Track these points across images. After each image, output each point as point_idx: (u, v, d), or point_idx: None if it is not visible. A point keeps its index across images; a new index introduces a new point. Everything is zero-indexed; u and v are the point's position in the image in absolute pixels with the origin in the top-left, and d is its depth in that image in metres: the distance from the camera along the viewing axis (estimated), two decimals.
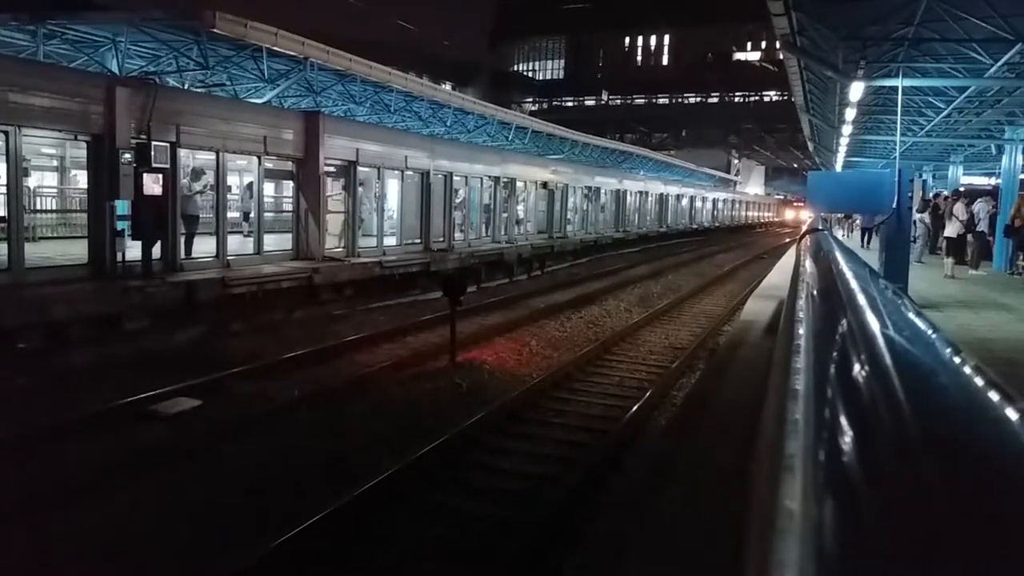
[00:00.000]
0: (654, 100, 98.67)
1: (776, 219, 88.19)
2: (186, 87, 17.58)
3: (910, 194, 11.80)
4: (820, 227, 9.65)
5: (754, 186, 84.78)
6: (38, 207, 17.54)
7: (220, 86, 18.76)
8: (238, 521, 5.76)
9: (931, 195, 24.75)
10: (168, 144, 12.74)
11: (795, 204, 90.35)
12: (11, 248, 10.81)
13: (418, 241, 19.90)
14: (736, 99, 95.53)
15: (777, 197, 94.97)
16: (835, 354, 1.17)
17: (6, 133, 10.59)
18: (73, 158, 18.33)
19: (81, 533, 5.47)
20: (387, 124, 23.94)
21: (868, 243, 24.99)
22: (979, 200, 18.88)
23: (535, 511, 5.95)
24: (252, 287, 13.56)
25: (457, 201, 22.10)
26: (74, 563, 5.17)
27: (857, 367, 0.99)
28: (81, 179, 15.81)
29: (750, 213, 73.63)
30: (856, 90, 14.04)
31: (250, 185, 17.48)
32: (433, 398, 9.27)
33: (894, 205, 11.11)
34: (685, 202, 49.10)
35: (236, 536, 5.44)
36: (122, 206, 12.12)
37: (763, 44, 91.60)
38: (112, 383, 9.03)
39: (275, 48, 16.24)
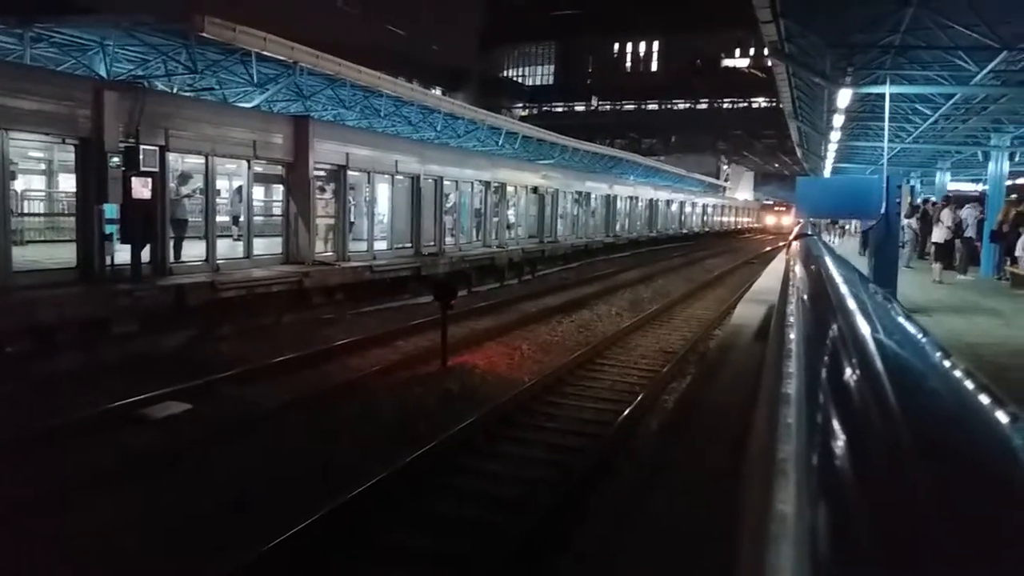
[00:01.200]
0: (643, 106, 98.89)
1: (755, 225, 79.47)
2: (175, 91, 17.49)
3: (898, 200, 11.88)
4: (808, 232, 9.69)
5: (743, 191, 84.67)
6: (25, 211, 17.41)
7: (209, 90, 18.67)
8: (227, 526, 5.73)
9: (919, 201, 24.94)
10: (157, 148, 12.66)
11: (776, 208, 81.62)
12: None
13: (408, 245, 19.87)
14: (725, 105, 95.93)
15: (764, 201, 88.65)
16: (826, 358, 1.18)
17: None
18: (61, 162, 18.21)
19: (70, 538, 5.42)
20: (377, 129, 23.89)
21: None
22: (967, 206, 19.04)
23: (526, 516, 5.95)
24: (242, 291, 13.50)
25: (447, 206, 22.09)
26: (63, 567, 5.12)
27: (848, 371, 0.99)
28: (69, 183, 15.71)
29: (719, 219, 63.99)
30: (844, 97, 14.13)
31: (239, 189, 17.42)
32: (424, 403, 9.25)
33: (882, 211, 11.18)
34: (675, 207, 49.32)
35: (225, 541, 5.41)
36: (110, 210, 12.05)
37: (751, 51, 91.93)
38: (101, 387, 8.97)
39: (264, 52, 16.18)
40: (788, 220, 72.11)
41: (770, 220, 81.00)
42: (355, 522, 5.81)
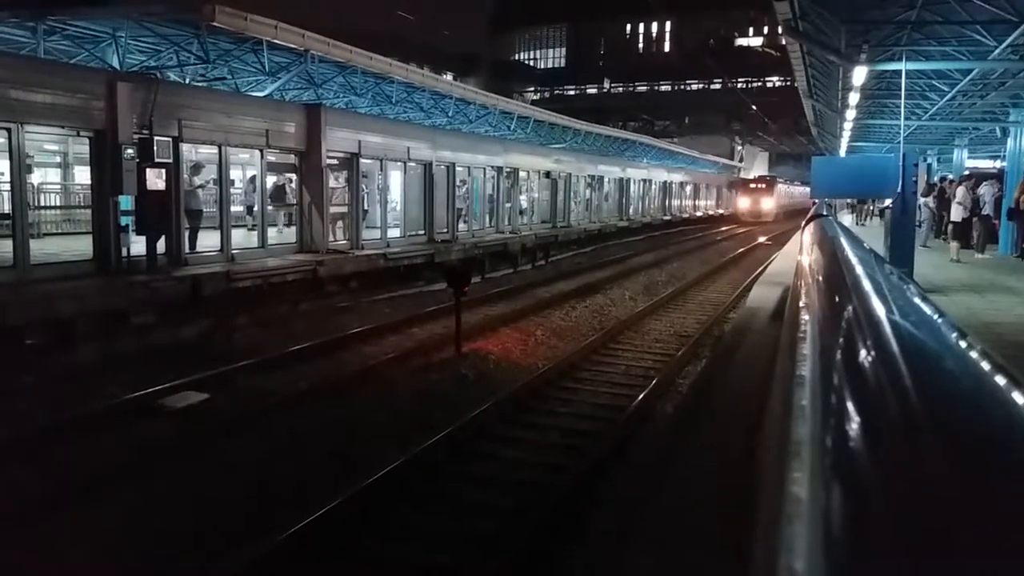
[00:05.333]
0: (656, 87, 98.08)
1: (719, 211, 56.32)
2: (187, 81, 17.55)
3: (915, 178, 11.75)
4: (824, 213, 9.61)
5: (758, 171, 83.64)
6: (42, 203, 17.56)
7: (221, 80, 18.72)
8: (246, 514, 5.79)
9: (936, 179, 24.65)
10: (170, 139, 12.73)
11: (753, 186, 56.47)
12: (16, 245, 10.84)
13: (422, 232, 19.90)
14: (739, 85, 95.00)
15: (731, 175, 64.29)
16: (841, 340, 1.17)
17: (8, 130, 10.60)
18: (76, 154, 18.34)
19: (92, 528, 5.51)
20: (389, 115, 23.88)
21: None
22: (984, 183, 18.79)
23: (543, 500, 5.98)
24: (257, 280, 13.58)
25: (460, 191, 22.07)
26: (84, 555, 5.20)
27: (863, 353, 0.99)
28: (84, 175, 15.82)
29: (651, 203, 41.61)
30: (859, 74, 13.97)
31: (253, 178, 17.49)
32: (439, 389, 9.29)
33: (899, 189, 11.06)
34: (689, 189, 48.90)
35: (244, 529, 5.47)
36: (125, 201, 12.14)
37: (765, 29, 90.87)
38: (119, 378, 9.06)
39: (275, 41, 16.19)
40: (770, 204, 54.47)
41: (744, 204, 55.29)
42: (374, 507, 5.86)
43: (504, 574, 5.07)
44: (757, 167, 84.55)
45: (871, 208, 34.55)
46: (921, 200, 17.54)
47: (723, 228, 46.55)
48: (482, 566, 5.08)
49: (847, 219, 30.99)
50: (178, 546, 5.33)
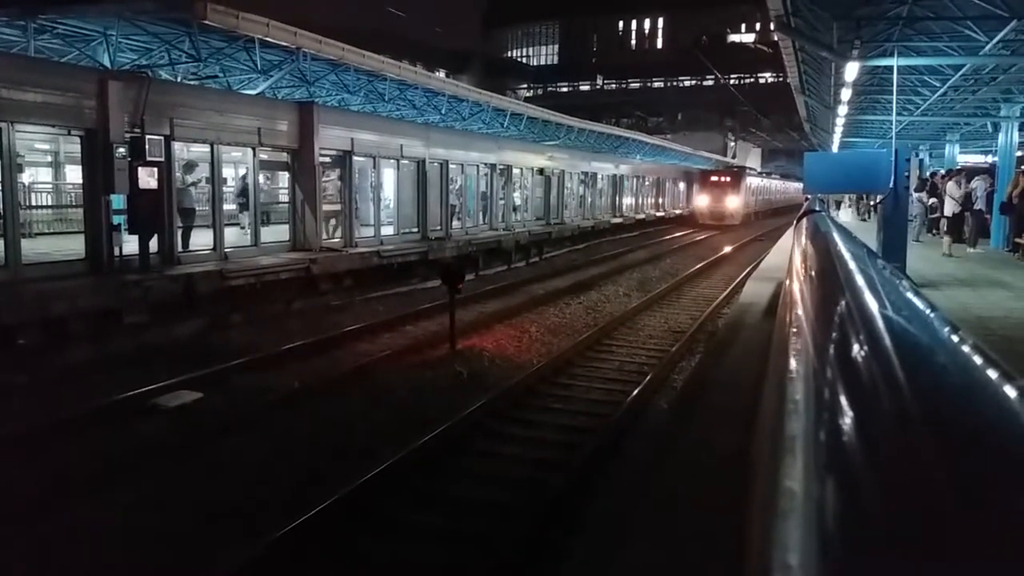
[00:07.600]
0: (649, 84, 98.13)
1: (661, 211, 44.40)
2: (179, 80, 17.46)
3: (907, 173, 11.78)
4: (817, 208, 9.61)
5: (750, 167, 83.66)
6: (33, 203, 17.47)
7: (213, 78, 18.63)
8: (240, 513, 5.78)
9: (928, 174, 24.73)
10: (162, 137, 12.68)
11: (715, 180, 43.98)
12: (8, 245, 10.79)
13: (415, 230, 19.87)
14: (731, 81, 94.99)
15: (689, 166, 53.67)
16: (834, 335, 1.17)
17: None
18: (67, 153, 18.25)
19: (86, 527, 5.49)
20: (381, 113, 23.81)
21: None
22: (976, 178, 18.87)
23: (538, 496, 5.98)
24: (250, 279, 13.54)
25: (454, 189, 22.05)
26: (79, 555, 5.18)
27: (856, 347, 0.99)
28: (75, 174, 15.73)
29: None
30: (851, 70, 13.98)
31: (245, 176, 17.43)
32: (434, 386, 9.29)
33: (891, 185, 11.10)
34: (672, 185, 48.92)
35: (239, 528, 5.46)
36: (118, 200, 12.09)
37: (758, 26, 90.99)
38: (113, 377, 9.03)
39: (267, 39, 16.11)
40: (735, 203, 42.75)
41: (702, 202, 43.85)
42: (369, 504, 5.85)
43: (502, 566, 5.07)
44: (750, 163, 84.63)
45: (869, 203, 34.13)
46: (914, 195, 17.62)
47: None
48: (479, 561, 5.08)
49: (845, 215, 30.51)
50: (174, 545, 5.31)
